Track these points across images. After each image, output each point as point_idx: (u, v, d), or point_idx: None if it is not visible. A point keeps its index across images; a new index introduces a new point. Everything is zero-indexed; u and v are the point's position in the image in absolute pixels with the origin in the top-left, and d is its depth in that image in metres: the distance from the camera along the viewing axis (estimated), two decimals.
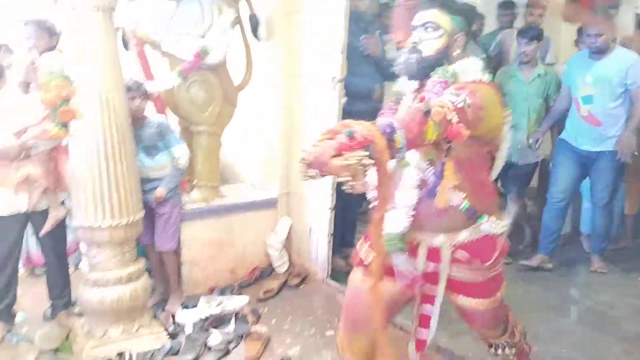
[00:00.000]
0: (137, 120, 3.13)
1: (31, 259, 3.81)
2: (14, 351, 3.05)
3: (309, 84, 3.64)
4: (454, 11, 1.90)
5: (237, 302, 3.40)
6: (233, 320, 3.22)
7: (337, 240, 3.76)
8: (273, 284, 3.67)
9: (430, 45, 1.89)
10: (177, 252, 3.50)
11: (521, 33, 3.94)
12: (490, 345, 2.29)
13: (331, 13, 3.36)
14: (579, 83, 3.68)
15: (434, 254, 2.00)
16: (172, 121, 3.61)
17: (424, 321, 2.09)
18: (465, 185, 1.88)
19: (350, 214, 3.92)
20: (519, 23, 4.80)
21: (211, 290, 3.62)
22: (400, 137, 1.46)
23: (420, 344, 2.12)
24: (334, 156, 1.34)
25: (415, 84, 1.97)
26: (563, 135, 3.88)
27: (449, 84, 1.82)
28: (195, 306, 3.36)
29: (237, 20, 3.57)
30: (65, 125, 2.76)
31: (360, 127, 1.39)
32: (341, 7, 3.28)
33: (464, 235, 1.95)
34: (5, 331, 3.15)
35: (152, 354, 2.93)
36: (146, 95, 3.23)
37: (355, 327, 2.08)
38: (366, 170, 1.37)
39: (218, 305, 3.35)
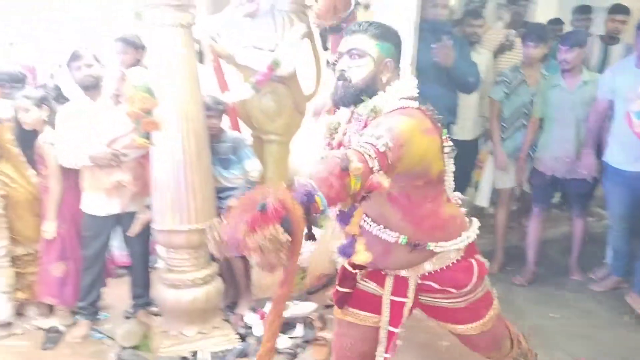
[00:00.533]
0: (214, 135, 3.29)
1: (113, 260, 4.06)
2: (97, 347, 3.26)
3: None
4: (379, 37, 1.80)
5: (304, 307, 3.48)
6: (301, 325, 3.31)
7: None
8: None
9: (357, 72, 1.79)
10: (245, 257, 3.62)
11: (562, 39, 3.72)
12: None
13: (400, 24, 3.37)
14: (629, 95, 3.32)
15: (400, 287, 1.95)
16: (244, 131, 3.77)
17: None
18: (398, 222, 1.82)
19: None
20: (597, 30, 4.65)
21: None
22: (320, 199, 1.32)
23: None
24: (248, 233, 1.20)
25: (347, 112, 1.89)
26: (607, 158, 3.57)
27: (369, 121, 1.74)
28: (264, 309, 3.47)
29: (308, 33, 3.67)
30: (148, 136, 2.96)
31: (273, 199, 1.23)
32: (411, 17, 3.30)
33: (427, 267, 1.90)
34: (90, 327, 3.38)
35: (224, 353, 3.06)
36: (222, 113, 3.39)
37: None
38: (283, 248, 1.22)
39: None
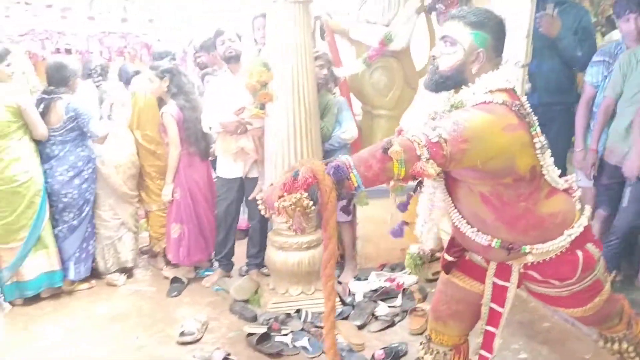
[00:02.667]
0: (321, 85, 3.41)
1: None
2: (213, 298, 3.61)
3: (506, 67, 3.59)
4: (476, 25, 1.73)
5: (405, 279, 3.56)
6: (400, 295, 3.39)
7: None
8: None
9: (446, 60, 1.76)
10: (352, 225, 3.77)
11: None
12: (606, 341, 2.16)
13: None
14: None
15: (504, 271, 1.94)
16: (355, 105, 3.88)
17: (487, 341, 2.04)
18: (492, 223, 1.80)
19: None
20: None
21: (382, 267, 3.83)
22: (355, 177, 1.45)
23: None
24: (280, 197, 1.40)
25: (438, 98, 1.85)
26: None
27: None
28: (367, 279, 3.60)
29: (423, 8, 3.66)
30: (263, 107, 3.17)
31: (305, 168, 1.41)
32: None
33: (529, 258, 1.85)
34: (222, 277, 3.76)
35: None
36: (330, 63, 3.51)
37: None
38: (306, 213, 1.39)
39: (387, 280, 3.54)
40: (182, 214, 3.73)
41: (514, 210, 1.78)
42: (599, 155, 3.18)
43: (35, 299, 3.52)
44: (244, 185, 3.64)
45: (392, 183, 1.55)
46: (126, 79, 4.02)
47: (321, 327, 3.12)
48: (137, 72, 3.99)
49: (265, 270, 3.72)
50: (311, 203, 1.40)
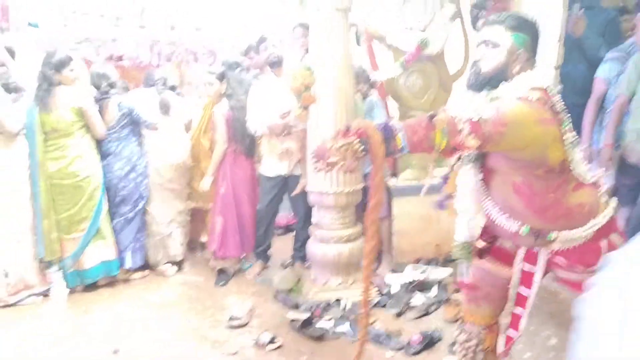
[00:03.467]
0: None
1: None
2: (258, 288, 3.84)
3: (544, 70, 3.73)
4: (515, 28, 1.89)
5: (441, 272, 3.72)
6: (436, 287, 3.56)
7: None
8: None
9: (489, 62, 1.90)
10: (389, 221, 3.95)
11: None
12: None
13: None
14: None
15: (531, 257, 2.08)
16: (392, 107, 4.08)
17: (515, 321, 2.18)
18: (522, 211, 1.94)
19: None
20: None
21: (417, 261, 3.99)
22: (400, 138, 1.64)
23: (508, 341, 2.22)
24: (333, 141, 1.62)
25: (480, 98, 1.97)
26: None
27: None
28: (402, 272, 3.78)
29: (458, 14, 3.84)
30: (306, 108, 3.39)
31: (357, 122, 1.64)
32: None
33: (557, 245, 1.99)
34: (262, 268, 4.01)
35: None
36: (368, 80, 3.73)
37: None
38: (357, 155, 1.61)
39: (423, 272, 3.72)
40: (225, 208, 3.97)
41: (544, 200, 1.92)
42: (616, 152, 3.27)
43: (94, 286, 3.81)
44: (287, 183, 3.87)
45: (433, 153, 1.73)
46: (150, 85, 4.16)
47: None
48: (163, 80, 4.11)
49: (307, 264, 3.93)
50: (362, 147, 1.62)
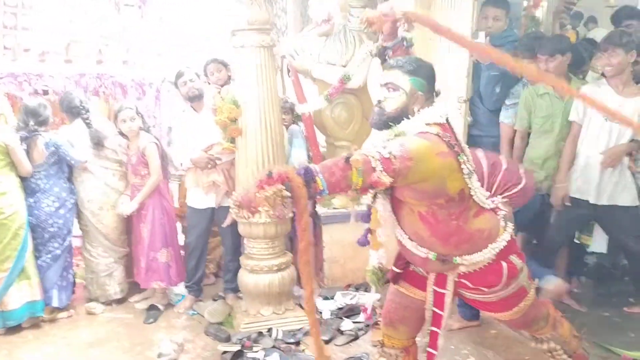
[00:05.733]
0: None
1: None
2: (189, 322, 3.82)
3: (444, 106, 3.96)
4: (412, 72, 2.07)
5: (369, 297, 3.81)
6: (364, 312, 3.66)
7: None
8: None
9: (391, 103, 2.08)
10: (318, 248, 4.05)
11: (541, 45, 3.49)
12: (537, 342, 2.47)
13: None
14: None
15: (441, 280, 2.27)
16: (319, 138, 4.23)
17: (433, 340, 2.36)
18: (428, 239, 2.11)
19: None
20: None
21: (347, 287, 4.10)
22: (320, 181, 1.74)
23: (429, 358, 2.39)
24: (257, 192, 1.68)
25: (382, 134, 2.13)
26: None
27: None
28: (333, 298, 3.87)
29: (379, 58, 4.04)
30: (233, 141, 3.47)
31: (277, 168, 1.73)
32: (467, 32, 3.57)
33: (462, 268, 2.18)
34: (194, 302, 3.97)
35: (294, 332, 3.48)
36: (291, 110, 3.89)
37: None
38: (285, 202, 1.68)
39: (352, 298, 3.82)
40: (168, 238, 3.97)
41: (447, 227, 2.09)
42: None
43: (17, 328, 3.67)
44: (215, 215, 3.90)
45: (349, 192, 1.85)
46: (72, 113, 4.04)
47: (291, 344, 3.37)
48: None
49: (240, 294, 3.94)
50: (288, 194, 1.69)
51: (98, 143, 3.90)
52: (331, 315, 3.69)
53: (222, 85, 4.03)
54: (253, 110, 3.38)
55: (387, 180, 1.80)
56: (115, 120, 3.94)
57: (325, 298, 3.91)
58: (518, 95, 3.64)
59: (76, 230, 4.06)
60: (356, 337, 3.43)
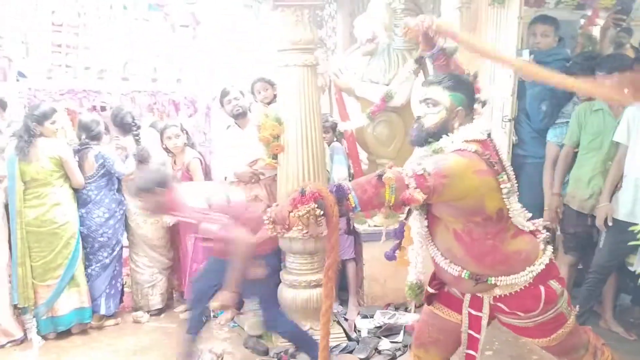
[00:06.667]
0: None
1: None
2: (230, 334, 3.89)
3: (485, 123, 3.91)
4: (451, 88, 2.07)
5: (409, 317, 3.79)
6: (402, 331, 3.63)
7: None
8: None
9: (431, 119, 2.07)
10: (358, 265, 4.05)
11: (599, 63, 3.40)
12: None
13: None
14: None
15: (476, 302, 2.20)
16: (361, 155, 4.25)
17: None
18: (462, 257, 2.07)
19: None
20: None
21: (387, 306, 4.07)
22: (352, 198, 1.74)
23: None
24: (291, 211, 1.68)
25: (422, 151, 2.13)
26: None
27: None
28: (372, 316, 3.85)
29: (420, 69, 4.04)
30: (275, 157, 3.54)
31: (310, 185, 1.72)
32: (512, 49, 3.53)
33: (497, 291, 2.12)
34: (235, 315, 4.05)
35: (332, 349, 3.48)
36: (334, 129, 3.92)
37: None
38: (318, 221, 1.68)
39: (391, 317, 3.79)
40: (206, 253, 4.05)
41: (483, 246, 2.05)
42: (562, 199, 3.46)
43: (67, 333, 3.84)
44: None
45: (383, 210, 1.85)
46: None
47: None
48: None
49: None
50: (322, 212, 1.70)
51: (142, 161, 4.06)
52: (369, 333, 3.67)
53: (268, 104, 4.13)
54: (295, 127, 3.44)
55: (420, 197, 1.78)
56: (162, 137, 4.10)
57: (364, 316, 3.89)
58: (569, 114, 3.56)
59: (125, 241, 4.24)
60: (393, 357, 3.40)
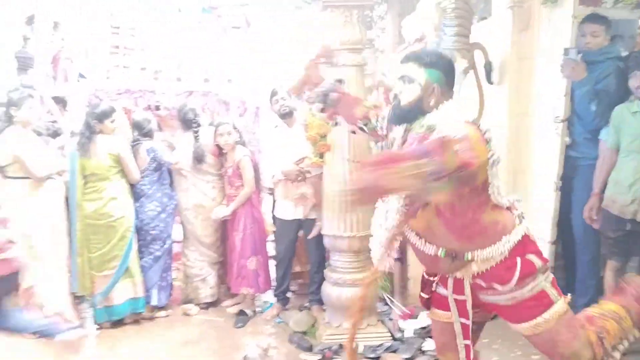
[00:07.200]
0: None
1: None
2: (275, 329, 3.96)
3: (535, 121, 3.85)
4: (428, 64, 2.01)
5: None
6: None
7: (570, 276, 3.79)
8: None
9: (407, 95, 2.03)
10: (403, 266, 4.05)
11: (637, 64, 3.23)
12: None
13: (560, 56, 3.53)
14: None
15: (459, 286, 2.13)
16: None
17: (468, 355, 2.22)
18: (442, 233, 2.00)
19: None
20: None
21: None
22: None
23: None
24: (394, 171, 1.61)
25: (401, 130, 2.09)
26: None
27: (428, 135, 1.90)
28: (417, 317, 3.83)
29: (469, 68, 4.00)
30: (322, 156, 3.58)
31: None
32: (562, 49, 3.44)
33: (474, 268, 2.05)
34: (280, 310, 4.12)
35: (375, 348, 3.49)
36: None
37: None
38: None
39: None
40: (257, 247, 4.17)
41: (463, 219, 1.99)
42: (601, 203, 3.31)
43: (120, 322, 4.00)
44: (302, 226, 4.03)
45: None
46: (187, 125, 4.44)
47: (371, 359, 3.39)
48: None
49: (324, 306, 4.03)
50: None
51: (198, 158, 4.18)
52: (414, 334, 3.66)
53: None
54: (342, 126, 3.47)
55: (475, 161, 1.74)
56: (215, 134, 4.21)
57: (410, 317, 3.88)
58: None
59: (178, 236, 4.38)
60: (437, 358, 3.37)
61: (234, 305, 4.30)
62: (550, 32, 3.64)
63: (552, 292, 2.08)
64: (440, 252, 2.04)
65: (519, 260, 2.03)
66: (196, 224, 4.25)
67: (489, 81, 4.09)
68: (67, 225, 3.90)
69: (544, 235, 3.75)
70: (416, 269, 4.07)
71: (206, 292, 4.31)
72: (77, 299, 3.98)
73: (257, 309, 4.25)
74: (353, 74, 3.47)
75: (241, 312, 4.16)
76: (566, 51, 3.39)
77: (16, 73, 5.02)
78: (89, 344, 3.75)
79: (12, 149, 3.65)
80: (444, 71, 2.04)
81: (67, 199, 3.91)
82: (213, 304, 4.36)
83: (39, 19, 5.41)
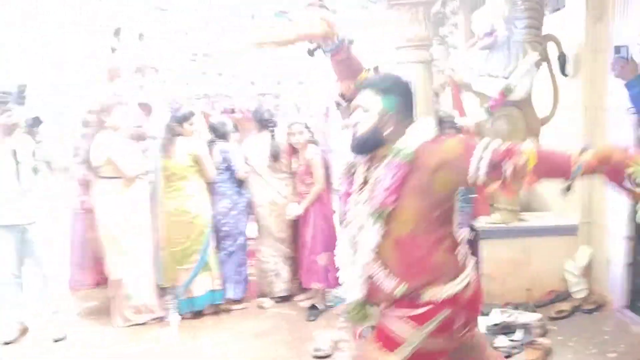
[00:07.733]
0: None
1: None
2: (346, 322, 4.02)
3: (610, 115, 3.70)
4: (384, 91, 1.92)
5: (528, 316, 3.68)
6: (521, 331, 3.54)
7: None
8: (566, 306, 3.83)
9: (362, 125, 1.93)
10: (476, 263, 4.00)
11: None
12: None
13: (634, 47, 3.39)
14: None
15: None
16: None
17: None
18: (394, 266, 1.90)
19: None
20: None
21: (505, 305, 3.97)
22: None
23: None
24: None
25: (361, 158, 2.01)
26: None
27: (403, 163, 1.83)
28: (488, 314, 3.79)
29: (542, 61, 3.91)
30: None
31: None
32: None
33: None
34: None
35: None
36: (454, 125, 3.92)
37: None
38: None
39: (510, 316, 3.70)
40: (329, 242, 4.24)
41: (419, 251, 1.88)
42: None
43: (200, 314, 4.23)
44: None
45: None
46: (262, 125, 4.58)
47: None
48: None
49: None
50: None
51: (275, 155, 4.35)
52: (486, 331, 3.62)
53: None
54: None
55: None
56: (287, 133, 4.36)
57: (481, 314, 3.83)
58: None
59: (253, 233, 4.57)
60: (509, 355, 3.33)
61: (306, 299, 4.42)
62: (624, 20, 3.50)
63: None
64: (399, 290, 1.92)
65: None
66: (270, 220, 4.41)
67: (563, 73, 3.99)
68: (151, 221, 4.18)
69: (620, 230, 3.62)
70: (489, 267, 4.02)
71: (280, 286, 4.47)
72: (162, 291, 4.25)
73: (329, 304, 4.35)
74: (420, 71, 3.50)
75: (313, 307, 4.27)
76: (617, 49, 3.25)
77: (106, 82, 5.43)
78: (173, 332, 4.03)
79: (105, 151, 3.98)
80: (400, 97, 1.95)
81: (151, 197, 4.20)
82: (287, 299, 4.51)
83: (125, 31, 5.81)
